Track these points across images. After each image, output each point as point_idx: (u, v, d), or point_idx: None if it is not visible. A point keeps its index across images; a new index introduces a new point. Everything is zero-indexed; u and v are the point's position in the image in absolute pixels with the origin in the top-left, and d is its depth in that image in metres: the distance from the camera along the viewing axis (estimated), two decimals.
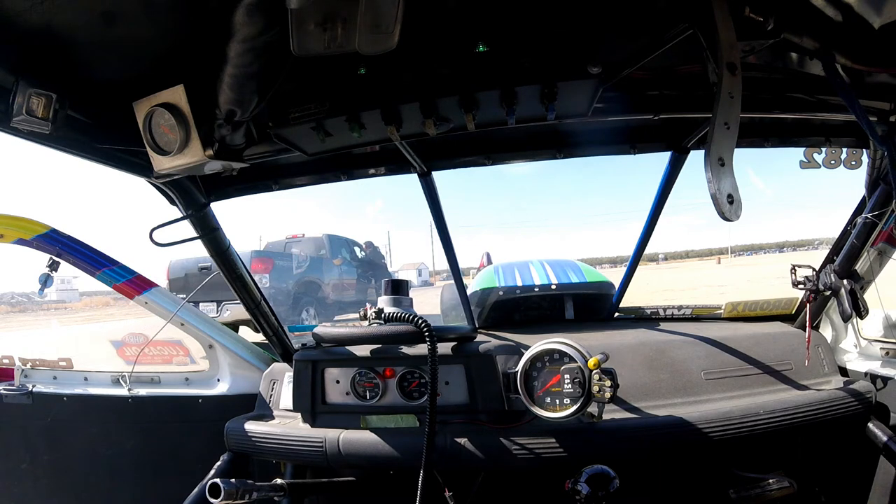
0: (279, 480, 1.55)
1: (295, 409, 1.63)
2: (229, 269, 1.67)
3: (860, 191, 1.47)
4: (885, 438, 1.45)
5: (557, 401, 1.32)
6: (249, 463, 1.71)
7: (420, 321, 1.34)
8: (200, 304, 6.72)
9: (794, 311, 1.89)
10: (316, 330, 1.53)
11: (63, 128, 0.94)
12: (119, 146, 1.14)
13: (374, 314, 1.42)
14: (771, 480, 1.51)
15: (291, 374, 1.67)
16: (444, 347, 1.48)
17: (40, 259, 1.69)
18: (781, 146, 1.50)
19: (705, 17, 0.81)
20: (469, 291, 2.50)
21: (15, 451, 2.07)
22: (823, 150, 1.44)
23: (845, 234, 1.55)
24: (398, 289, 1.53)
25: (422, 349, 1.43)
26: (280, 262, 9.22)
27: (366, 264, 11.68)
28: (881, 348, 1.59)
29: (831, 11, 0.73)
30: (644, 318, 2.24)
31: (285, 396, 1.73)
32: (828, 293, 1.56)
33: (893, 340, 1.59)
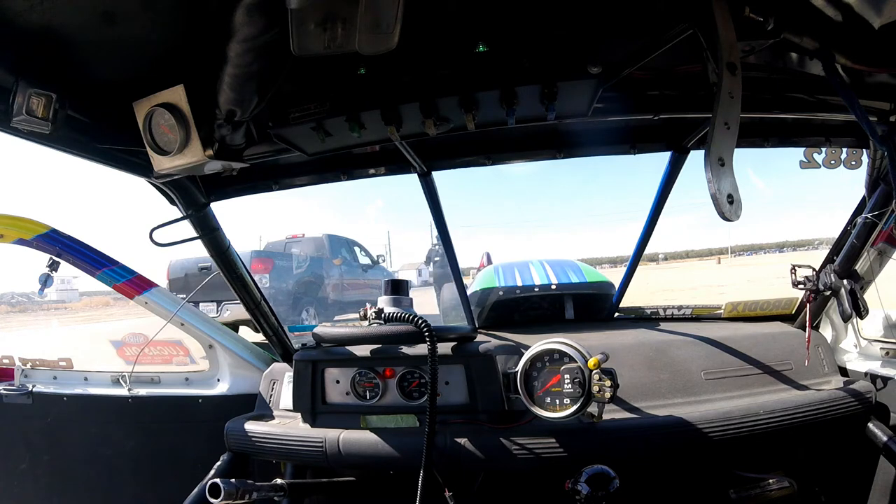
0: (279, 480, 1.55)
1: (295, 409, 1.63)
2: (229, 269, 1.67)
3: (860, 191, 1.47)
4: (885, 438, 1.45)
5: (557, 401, 1.32)
6: (249, 463, 1.71)
7: (420, 321, 1.34)
8: (200, 304, 6.71)
9: (794, 311, 1.89)
10: (316, 330, 1.53)
11: (63, 128, 0.94)
12: (119, 146, 1.14)
13: (374, 314, 1.42)
14: (771, 480, 1.51)
15: (291, 374, 1.67)
16: (444, 347, 1.48)
17: (40, 259, 1.69)
18: (781, 146, 1.50)
19: (705, 17, 0.81)
20: (469, 291, 2.50)
21: (15, 451, 2.07)
22: (823, 150, 1.44)
23: (845, 234, 1.55)
24: (398, 289, 1.53)
25: (422, 349, 1.43)
26: (280, 262, 9.20)
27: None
28: (881, 348, 1.59)
29: (831, 11, 0.73)
30: (644, 318, 2.24)
31: (285, 396, 1.73)
32: (828, 293, 1.56)
33: (893, 340, 1.59)
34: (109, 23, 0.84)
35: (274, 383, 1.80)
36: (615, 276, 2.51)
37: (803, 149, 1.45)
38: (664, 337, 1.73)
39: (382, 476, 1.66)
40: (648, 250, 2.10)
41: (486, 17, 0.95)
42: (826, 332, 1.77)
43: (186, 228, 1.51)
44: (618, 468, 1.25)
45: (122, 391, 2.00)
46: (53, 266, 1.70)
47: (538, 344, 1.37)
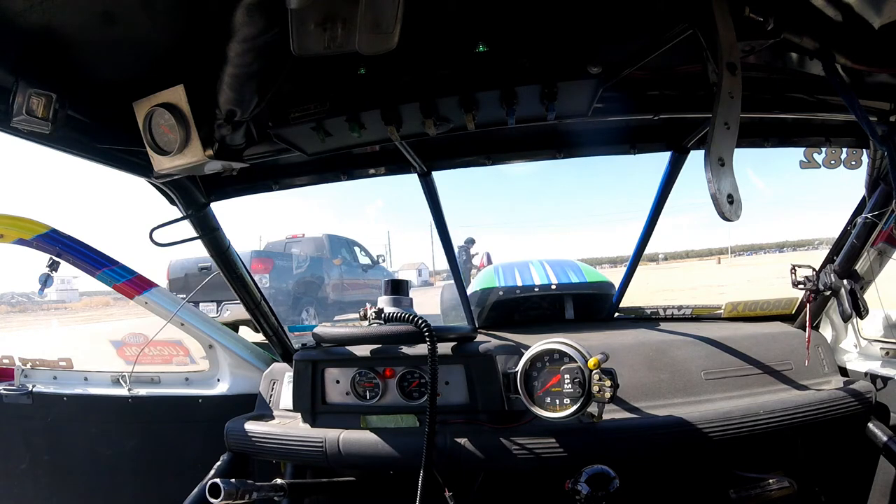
0: (279, 480, 1.55)
1: (295, 409, 1.63)
2: (229, 269, 1.67)
3: (860, 191, 1.47)
4: (885, 438, 1.45)
5: (557, 401, 1.32)
6: (249, 463, 1.71)
7: (420, 321, 1.34)
8: (200, 304, 6.71)
9: (794, 311, 1.89)
10: (316, 330, 1.53)
11: (63, 128, 0.94)
12: (119, 146, 1.14)
13: (374, 314, 1.42)
14: (771, 480, 1.51)
15: (291, 374, 1.67)
16: (444, 347, 1.48)
17: (40, 259, 1.69)
18: (781, 146, 1.50)
19: (705, 17, 0.81)
20: (469, 291, 2.50)
21: (15, 451, 2.07)
22: (823, 150, 1.44)
23: (845, 234, 1.55)
24: (398, 289, 1.53)
25: (422, 349, 1.43)
26: (280, 262, 9.20)
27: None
28: (881, 348, 1.59)
29: (831, 11, 0.73)
30: (644, 318, 2.24)
31: (285, 396, 1.73)
32: (828, 293, 1.56)
33: (893, 340, 1.59)
34: (109, 23, 0.84)
35: (274, 383, 1.80)
36: (615, 276, 2.51)
37: (803, 149, 1.45)
38: (664, 337, 1.73)
39: (382, 476, 1.66)
40: (648, 250, 2.10)
41: (486, 17, 0.95)
42: (826, 332, 1.77)
43: (186, 228, 1.51)
44: (618, 468, 1.25)
45: (122, 391, 1.99)
46: (53, 266, 1.70)
47: (538, 344, 1.37)
